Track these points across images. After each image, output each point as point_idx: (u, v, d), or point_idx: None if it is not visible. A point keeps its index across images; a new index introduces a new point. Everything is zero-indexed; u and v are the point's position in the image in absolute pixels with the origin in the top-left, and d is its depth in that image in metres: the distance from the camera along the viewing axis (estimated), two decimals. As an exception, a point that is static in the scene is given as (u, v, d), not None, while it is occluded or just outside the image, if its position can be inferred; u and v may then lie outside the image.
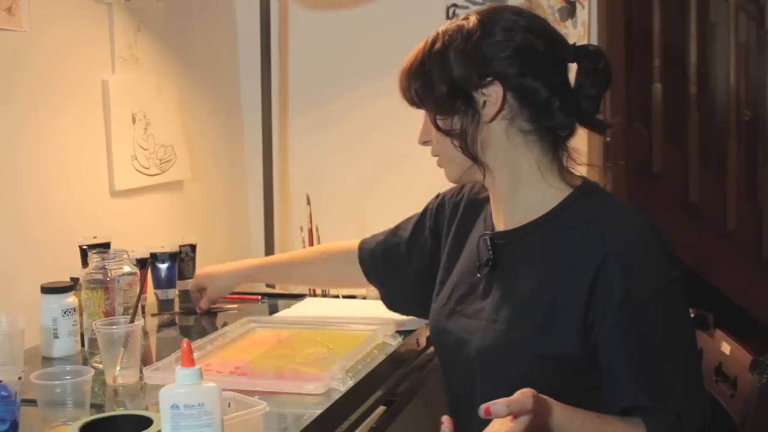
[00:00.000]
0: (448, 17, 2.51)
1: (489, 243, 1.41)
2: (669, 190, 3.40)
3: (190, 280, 2.10)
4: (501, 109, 1.32)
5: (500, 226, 1.42)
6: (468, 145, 1.34)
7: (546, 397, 1.21)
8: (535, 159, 1.36)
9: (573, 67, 1.38)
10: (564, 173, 1.38)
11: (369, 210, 2.65)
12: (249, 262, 2.00)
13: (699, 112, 3.44)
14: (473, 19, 1.35)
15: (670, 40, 3.48)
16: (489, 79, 1.32)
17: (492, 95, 1.32)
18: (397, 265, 1.71)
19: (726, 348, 1.53)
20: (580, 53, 1.36)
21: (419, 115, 1.44)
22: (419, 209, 1.78)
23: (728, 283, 3.29)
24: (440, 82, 1.34)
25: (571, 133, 1.37)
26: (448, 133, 1.36)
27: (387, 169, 2.64)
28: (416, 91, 1.38)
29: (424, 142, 1.44)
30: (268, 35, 2.61)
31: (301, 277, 2.00)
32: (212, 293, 1.98)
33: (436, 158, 1.43)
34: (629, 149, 3.19)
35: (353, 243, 1.81)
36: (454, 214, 1.58)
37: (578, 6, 2.42)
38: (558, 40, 1.38)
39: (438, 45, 1.35)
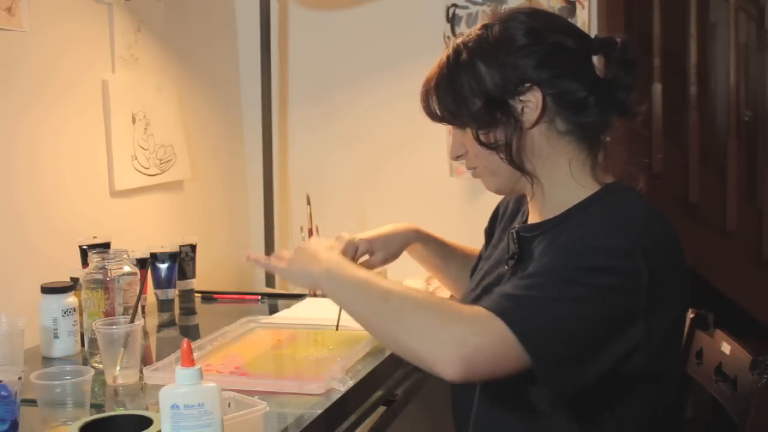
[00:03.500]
0: (448, 17, 2.51)
1: (515, 236, 1.40)
2: (669, 190, 3.40)
3: (349, 243, 1.61)
4: (543, 112, 1.30)
5: (534, 221, 1.42)
6: (514, 156, 1.32)
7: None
8: (567, 157, 1.34)
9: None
10: (596, 171, 1.36)
11: (369, 208, 2.66)
12: (413, 227, 1.71)
13: (699, 112, 3.44)
14: (496, 27, 1.32)
15: (670, 40, 3.48)
16: (527, 85, 1.30)
17: (531, 100, 1.30)
18: None
19: (726, 348, 1.53)
20: (607, 45, 1.35)
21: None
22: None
23: (728, 283, 3.29)
24: (474, 96, 1.31)
25: (607, 127, 1.35)
26: (492, 146, 1.32)
27: (387, 168, 2.64)
28: (447, 107, 1.34)
29: (457, 157, 1.40)
30: (268, 35, 2.61)
31: (453, 270, 1.76)
32: (387, 257, 1.68)
33: (472, 170, 1.40)
34: (629, 149, 3.19)
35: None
36: (506, 209, 1.58)
37: (578, 6, 2.42)
38: (583, 34, 1.37)
39: (465, 57, 1.32)
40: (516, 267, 1.39)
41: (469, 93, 1.32)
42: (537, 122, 1.31)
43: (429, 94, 1.36)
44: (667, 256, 1.27)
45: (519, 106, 1.31)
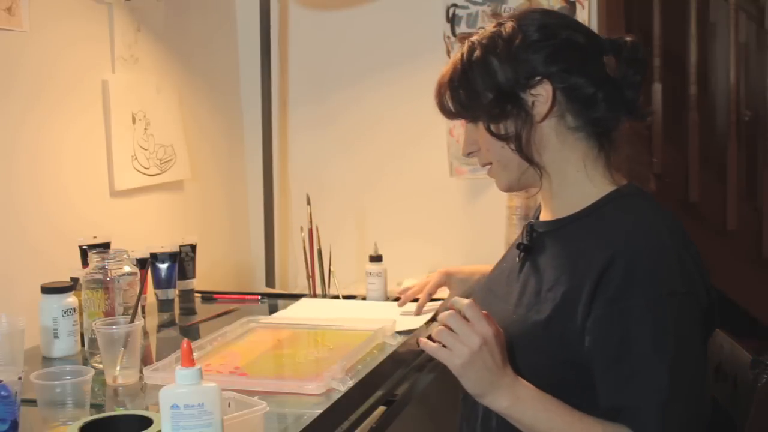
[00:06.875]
0: (447, 17, 2.51)
1: (530, 229, 1.44)
2: (669, 190, 3.40)
3: (433, 277, 1.92)
4: (552, 106, 1.34)
5: (546, 217, 1.45)
6: (524, 147, 1.35)
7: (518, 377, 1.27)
8: (581, 156, 1.37)
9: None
10: (610, 171, 1.39)
11: (369, 208, 2.66)
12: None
13: (699, 112, 3.44)
14: (509, 24, 1.37)
15: (670, 40, 3.49)
16: (537, 78, 1.33)
17: (542, 94, 1.33)
18: None
19: (726, 348, 1.53)
20: (617, 45, 1.38)
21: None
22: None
23: (728, 283, 3.29)
24: (486, 90, 1.35)
25: (616, 125, 1.38)
26: (503, 137, 1.36)
27: (387, 167, 2.64)
28: (460, 101, 1.39)
29: (469, 154, 1.44)
30: (268, 35, 2.61)
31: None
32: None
33: (486, 168, 1.44)
34: (637, 150, 3.19)
35: None
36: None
37: (578, 6, 2.42)
38: (593, 33, 1.41)
39: (477, 53, 1.36)
40: (525, 258, 1.42)
41: (481, 87, 1.36)
42: (547, 115, 1.34)
43: (442, 90, 1.41)
44: (694, 258, 1.35)
45: (530, 100, 1.34)
